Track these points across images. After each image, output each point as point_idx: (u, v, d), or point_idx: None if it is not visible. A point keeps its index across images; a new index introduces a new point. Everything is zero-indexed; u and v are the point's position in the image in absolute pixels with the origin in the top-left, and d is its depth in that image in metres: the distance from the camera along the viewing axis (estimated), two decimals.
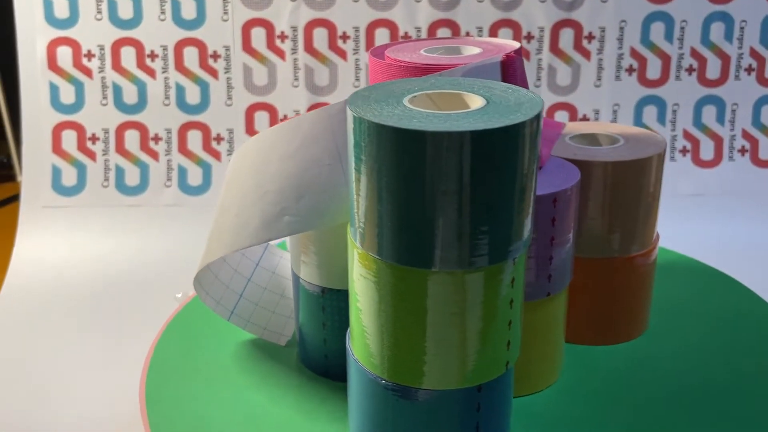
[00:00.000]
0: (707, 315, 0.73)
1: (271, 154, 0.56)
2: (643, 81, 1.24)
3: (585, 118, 1.24)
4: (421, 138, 0.38)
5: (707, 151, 1.26)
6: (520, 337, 0.48)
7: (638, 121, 1.25)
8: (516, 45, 0.62)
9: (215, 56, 1.23)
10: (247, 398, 0.62)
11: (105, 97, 1.22)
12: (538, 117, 0.40)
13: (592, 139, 0.68)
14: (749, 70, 1.24)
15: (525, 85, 0.60)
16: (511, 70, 0.58)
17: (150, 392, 0.63)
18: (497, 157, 0.39)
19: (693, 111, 1.25)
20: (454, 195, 0.39)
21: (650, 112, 1.25)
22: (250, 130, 1.24)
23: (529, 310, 0.58)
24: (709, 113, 1.25)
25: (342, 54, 1.24)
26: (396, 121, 0.39)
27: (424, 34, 1.23)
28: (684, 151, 1.26)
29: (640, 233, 0.65)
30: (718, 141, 1.26)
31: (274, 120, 1.24)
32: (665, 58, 1.23)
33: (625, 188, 0.64)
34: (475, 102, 0.42)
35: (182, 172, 1.25)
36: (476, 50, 0.62)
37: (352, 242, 0.45)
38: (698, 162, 1.26)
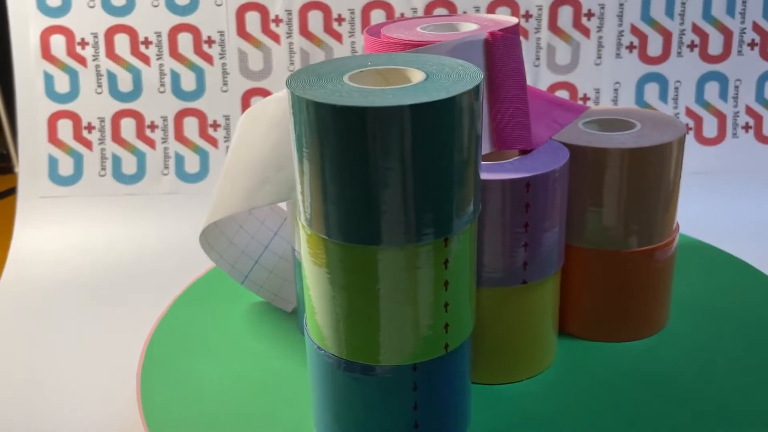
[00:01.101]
0: (722, 305, 0.71)
1: (260, 125, 0.57)
2: (644, 58, 1.22)
3: (585, 98, 1.22)
4: (341, 113, 0.37)
5: (710, 128, 1.24)
6: (469, 321, 0.47)
7: (640, 99, 1.22)
8: (514, 21, 0.60)
9: (210, 42, 1.22)
10: (238, 359, 0.67)
11: (100, 86, 1.22)
12: (473, 92, 0.38)
13: (607, 123, 0.65)
14: (752, 45, 1.21)
15: (519, 63, 0.58)
16: (495, 47, 0.56)
17: (150, 351, 0.68)
18: (425, 131, 0.38)
19: (695, 88, 1.22)
20: (389, 171, 0.38)
21: (652, 90, 1.22)
22: None
23: (501, 297, 0.57)
24: (711, 90, 1.23)
25: (337, 37, 1.22)
26: (321, 96, 0.38)
27: (420, 15, 1.22)
28: (687, 128, 1.23)
29: (659, 225, 0.61)
30: (721, 118, 1.23)
31: None
32: (666, 35, 1.20)
33: (643, 177, 0.60)
34: (416, 77, 0.41)
35: (179, 159, 1.24)
36: (473, 26, 0.60)
37: (301, 224, 0.44)
38: (701, 140, 1.24)
